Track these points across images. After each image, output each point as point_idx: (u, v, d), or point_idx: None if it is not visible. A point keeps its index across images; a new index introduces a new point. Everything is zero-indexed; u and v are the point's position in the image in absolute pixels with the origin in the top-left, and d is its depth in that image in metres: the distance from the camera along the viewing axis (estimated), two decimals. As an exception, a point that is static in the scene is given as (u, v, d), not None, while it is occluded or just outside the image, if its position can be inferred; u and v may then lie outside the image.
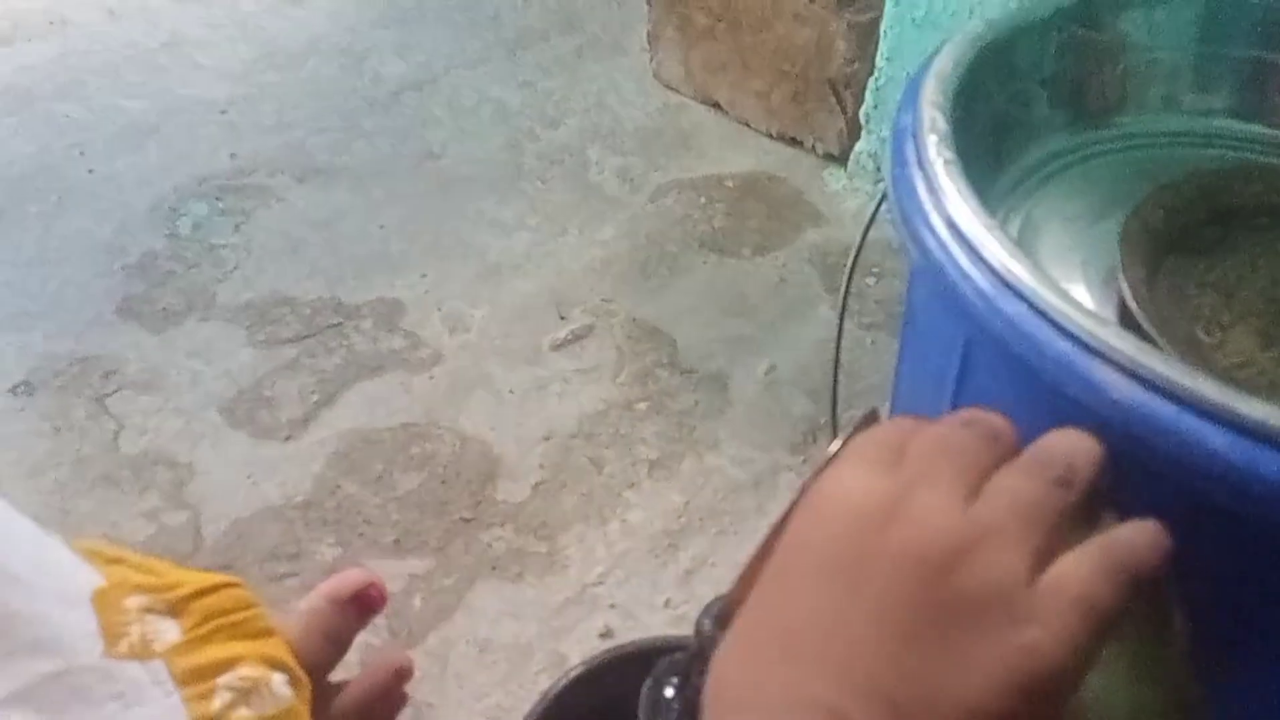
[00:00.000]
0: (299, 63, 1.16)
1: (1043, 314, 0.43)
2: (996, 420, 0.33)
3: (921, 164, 0.49)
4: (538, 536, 0.75)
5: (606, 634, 0.69)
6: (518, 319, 0.91)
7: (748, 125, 1.10)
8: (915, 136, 0.50)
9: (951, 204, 0.47)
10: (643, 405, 0.84)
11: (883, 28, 0.93)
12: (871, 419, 0.33)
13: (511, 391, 0.85)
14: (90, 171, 1.01)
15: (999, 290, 0.44)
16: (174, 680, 0.53)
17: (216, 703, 0.52)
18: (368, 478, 0.78)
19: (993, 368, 0.47)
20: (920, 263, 0.48)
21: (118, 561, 0.56)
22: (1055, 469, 0.30)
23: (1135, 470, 0.39)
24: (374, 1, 1.24)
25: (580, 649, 0.68)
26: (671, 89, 1.14)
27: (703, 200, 1.03)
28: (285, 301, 0.91)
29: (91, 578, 0.53)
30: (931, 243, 0.47)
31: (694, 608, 0.70)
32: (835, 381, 0.70)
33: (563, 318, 0.91)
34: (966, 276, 0.45)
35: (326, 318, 0.90)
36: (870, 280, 0.92)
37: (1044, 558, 0.29)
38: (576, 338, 0.89)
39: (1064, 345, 0.42)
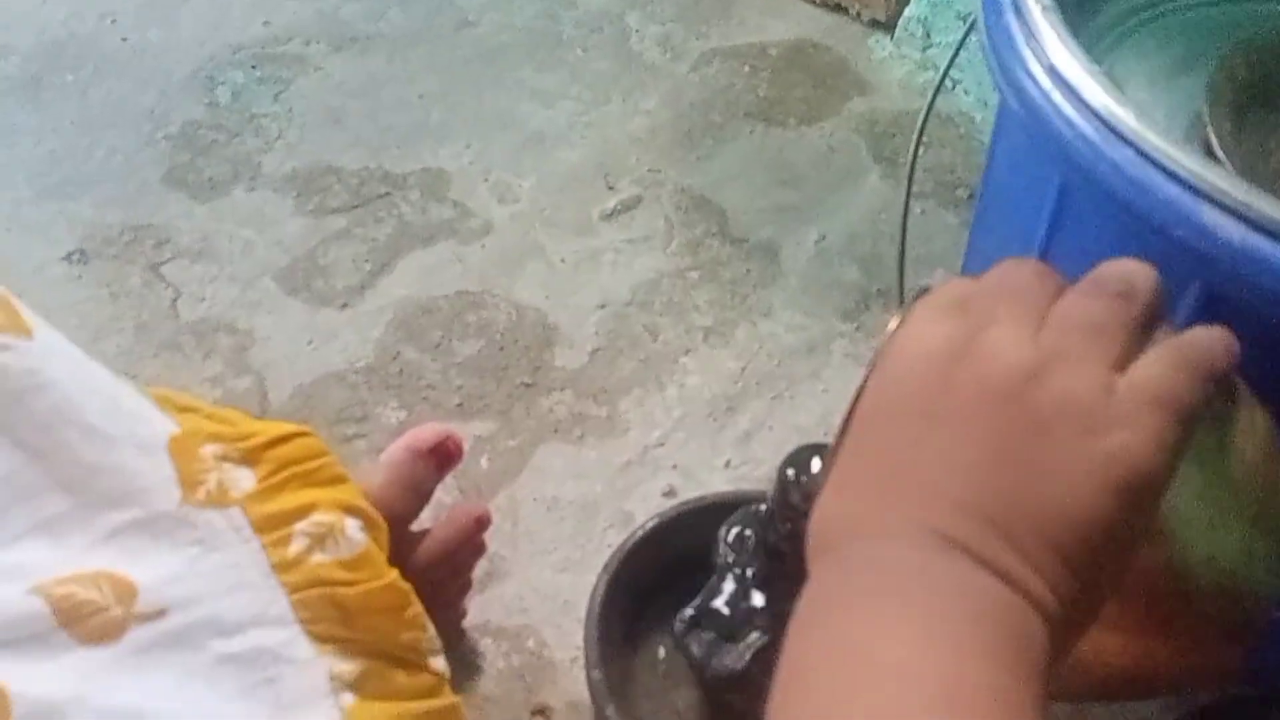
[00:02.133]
0: (326, -73, 1.12)
1: (1149, 158, 0.43)
2: (1040, 263, 0.34)
3: (1019, 11, 0.49)
4: (597, 401, 0.76)
5: (670, 493, 0.71)
6: (565, 189, 0.90)
7: (790, -8, 1.08)
8: (1011, -18, 0.49)
9: (1052, 50, 0.47)
10: (695, 274, 0.84)
11: (938, -114, 0.90)
12: (925, 291, 0.34)
13: (563, 260, 0.85)
14: (124, 40, 0.99)
15: (1104, 135, 0.44)
16: (251, 527, 0.55)
17: (293, 548, 0.54)
18: (427, 344, 0.79)
19: (1092, 216, 0.48)
20: (1018, 110, 0.48)
21: (191, 410, 0.57)
22: (1114, 285, 0.31)
23: (1243, 313, 0.40)
24: None
25: (644, 507, 0.70)
26: (710, -45, 1.11)
27: (746, 69, 1.01)
28: (331, 171, 0.90)
29: (166, 425, 0.54)
30: (1032, 89, 0.47)
31: (753, 469, 0.72)
32: (903, 248, 0.71)
33: (610, 188, 0.91)
34: (1070, 122, 0.45)
35: (374, 188, 0.89)
36: (919, 150, 0.92)
37: (1118, 366, 0.30)
38: (625, 208, 0.89)
39: (1172, 188, 0.42)
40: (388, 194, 0.89)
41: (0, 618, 0.43)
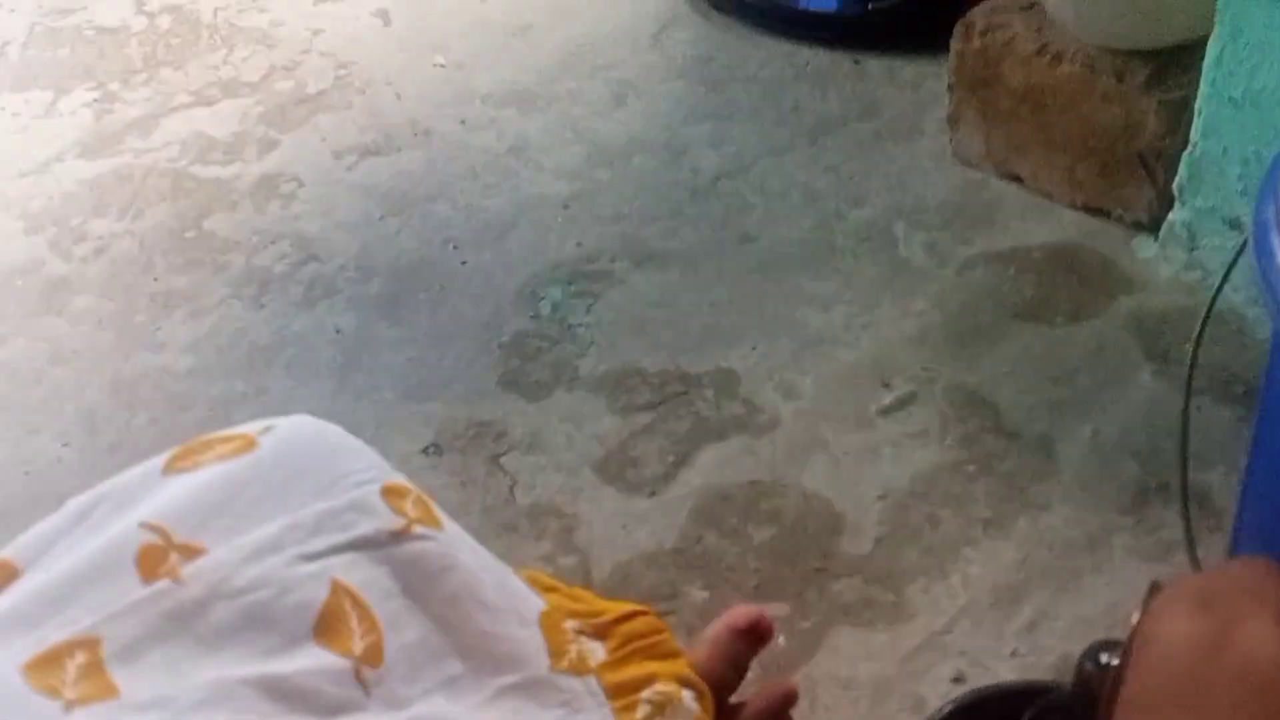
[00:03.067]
0: (625, 159, 1.30)
1: None
2: (1271, 560, 0.39)
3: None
4: (884, 587, 0.82)
5: (959, 679, 0.75)
6: (844, 387, 0.99)
7: (1050, 197, 1.15)
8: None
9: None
10: (971, 467, 0.90)
11: (1196, 105, 0.96)
12: (1156, 588, 0.40)
13: (846, 453, 0.93)
14: (464, 263, 1.18)
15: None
16: (605, 693, 0.64)
17: (640, 714, 0.63)
18: (725, 530, 0.88)
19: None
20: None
21: (553, 589, 0.69)
22: None
23: None
24: (686, 101, 1.37)
25: (935, 691, 0.74)
26: (971, 166, 1.21)
27: (1011, 271, 1.08)
28: (636, 373, 1.03)
29: (537, 602, 0.65)
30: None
31: (1038, 658, 0.76)
32: (1185, 442, 0.75)
33: (885, 385, 0.99)
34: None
35: (674, 387, 1.01)
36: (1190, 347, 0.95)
37: None
38: (901, 404, 0.97)
39: None
40: (685, 393, 1.01)
41: (422, 759, 0.54)
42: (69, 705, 0.48)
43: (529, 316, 1.11)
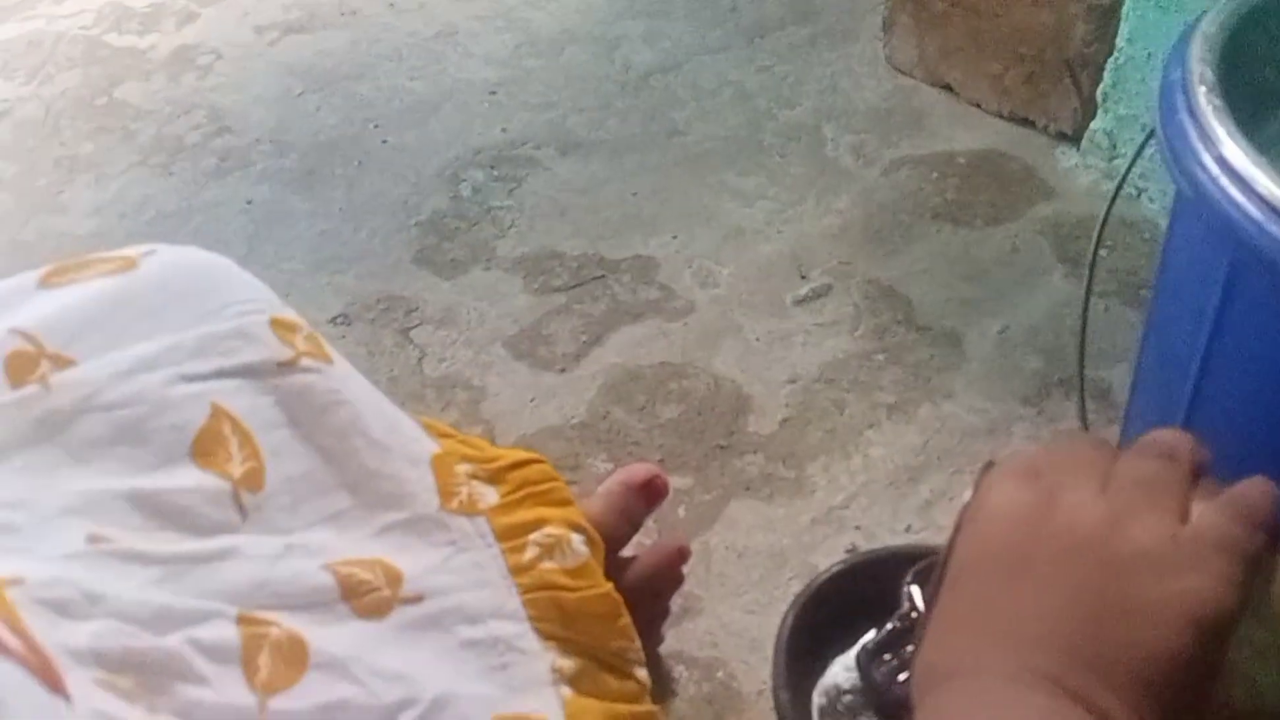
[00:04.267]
0: (557, 49, 1.28)
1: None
2: (1096, 436, 0.41)
3: (1192, 111, 0.55)
4: (786, 465, 0.83)
5: (852, 550, 0.76)
6: (761, 277, 0.99)
7: (979, 106, 1.15)
8: (1185, 88, 0.55)
9: (1224, 144, 0.52)
10: (880, 356, 0.91)
11: (1124, 10, 0.96)
12: (989, 465, 0.41)
13: (758, 339, 0.93)
14: (384, 142, 1.15)
15: (1269, 216, 0.49)
16: (494, 534, 0.64)
17: (527, 554, 0.62)
18: (633, 407, 0.88)
19: (1260, 292, 0.52)
20: (1190, 197, 0.53)
21: (448, 435, 0.68)
22: (1159, 449, 0.38)
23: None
24: (623, -6, 1.35)
25: (828, 561, 0.75)
26: (903, 73, 1.20)
27: (935, 175, 1.08)
28: (554, 256, 1.02)
29: (430, 445, 0.64)
30: (1203, 177, 0.52)
31: (933, 534, 0.77)
32: (1084, 338, 0.76)
33: (803, 277, 0.99)
34: (1237, 205, 0.50)
35: (591, 270, 1.00)
36: (1104, 252, 0.96)
37: (1179, 517, 0.35)
38: (816, 295, 0.97)
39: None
40: (602, 276, 1.00)
41: (302, 585, 0.53)
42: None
43: (449, 197, 1.09)
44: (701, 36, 1.29)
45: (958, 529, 0.39)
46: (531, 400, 0.88)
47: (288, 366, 0.57)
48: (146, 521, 0.50)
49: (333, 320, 0.96)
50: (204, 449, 0.53)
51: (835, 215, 1.05)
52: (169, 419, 0.53)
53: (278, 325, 0.58)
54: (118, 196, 1.10)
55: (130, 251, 0.58)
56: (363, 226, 1.05)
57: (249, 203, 1.08)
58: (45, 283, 0.56)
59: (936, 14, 1.14)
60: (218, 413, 0.54)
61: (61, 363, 0.52)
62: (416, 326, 0.95)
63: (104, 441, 0.51)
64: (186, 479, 0.52)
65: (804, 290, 0.97)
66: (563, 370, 0.91)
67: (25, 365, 0.51)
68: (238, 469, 0.54)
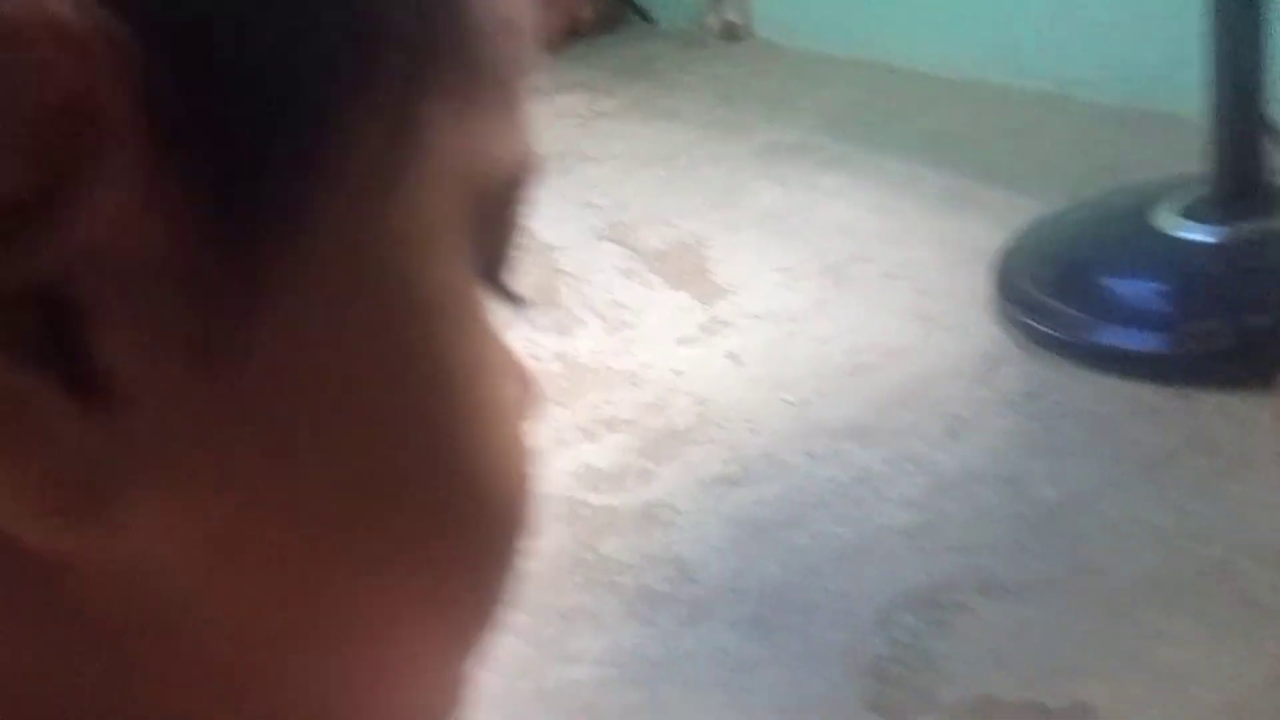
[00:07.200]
0: (966, 491, 1.43)
1: None
2: None
3: None
4: None
5: None
6: (1207, 729, 1.02)
7: None
8: None
9: None
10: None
11: None
12: None
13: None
14: (825, 590, 1.33)
15: None
16: None
17: None
18: None
19: None
20: None
21: None
22: None
23: None
24: (1019, 434, 1.50)
25: None
26: (1320, 505, 1.24)
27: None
28: (993, 703, 1.11)
29: None
30: None
31: None
32: None
33: (1252, 731, 1.01)
34: None
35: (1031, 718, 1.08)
36: None
37: None
38: (1271, 752, 0.99)
39: None
40: (1044, 726, 1.07)
41: None
42: None
43: (888, 642, 1.22)
44: (1104, 471, 1.39)
45: None
46: None
47: None
48: None
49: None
50: None
51: (1269, 660, 1.08)
52: None
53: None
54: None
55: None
56: (816, 674, 1.21)
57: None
58: None
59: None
60: None
61: None
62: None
63: None
64: None
65: (1256, 747, 0.99)
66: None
67: None
68: None
